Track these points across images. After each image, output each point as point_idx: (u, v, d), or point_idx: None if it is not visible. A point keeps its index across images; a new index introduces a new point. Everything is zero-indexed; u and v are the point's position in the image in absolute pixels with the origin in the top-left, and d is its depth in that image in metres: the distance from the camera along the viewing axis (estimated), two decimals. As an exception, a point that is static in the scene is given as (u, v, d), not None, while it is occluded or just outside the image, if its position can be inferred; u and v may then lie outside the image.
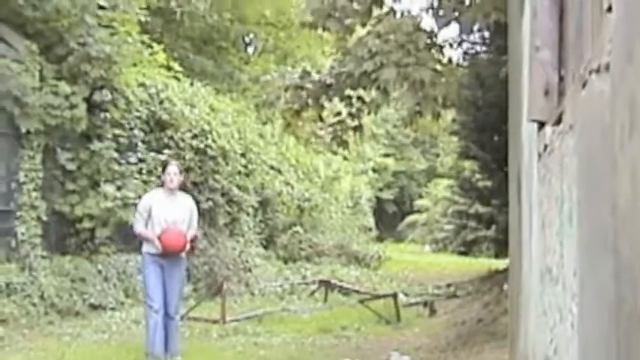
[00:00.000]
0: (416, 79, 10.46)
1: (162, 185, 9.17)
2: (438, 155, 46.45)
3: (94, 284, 12.51)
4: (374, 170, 41.51)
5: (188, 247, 9.16)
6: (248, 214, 17.89)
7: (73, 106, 12.29)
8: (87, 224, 12.82)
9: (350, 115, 13.00)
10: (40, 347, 9.91)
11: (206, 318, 12.01)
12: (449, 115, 19.44)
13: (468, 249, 29.94)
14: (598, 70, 1.99)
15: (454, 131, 21.96)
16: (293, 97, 12.37)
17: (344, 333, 11.48)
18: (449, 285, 18.00)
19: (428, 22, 46.67)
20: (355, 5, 11.48)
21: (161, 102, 14.83)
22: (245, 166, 17.56)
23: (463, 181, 24.42)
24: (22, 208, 11.78)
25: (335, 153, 27.47)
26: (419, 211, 41.28)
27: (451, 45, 13.19)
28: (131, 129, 13.95)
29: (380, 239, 33.88)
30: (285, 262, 19.03)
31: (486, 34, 16.27)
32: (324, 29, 12.00)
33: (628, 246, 1.64)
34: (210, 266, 14.95)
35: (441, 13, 11.10)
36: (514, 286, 4.88)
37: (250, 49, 28.66)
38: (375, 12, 11.72)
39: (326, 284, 15.28)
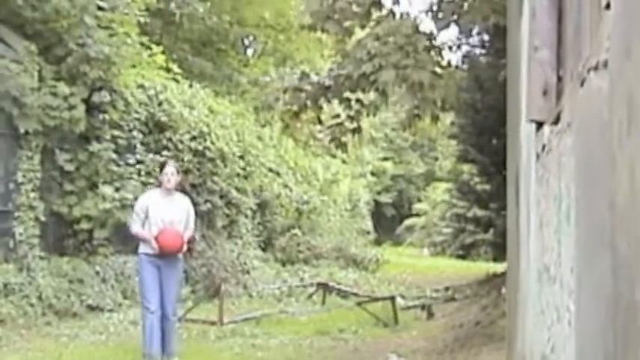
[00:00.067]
0: (415, 81, 10.47)
1: (159, 185, 9.16)
2: (436, 159, 46.46)
3: (91, 285, 12.50)
4: (372, 174, 41.57)
5: (185, 248, 9.14)
6: (246, 217, 17.88)
7: (71, 107, 12.29)
8: (85, 225, 12.81)
9: (349, 117, 13.00)
10: (38, 348, 9.90)
11: (204, 320, 12.00)
12: (447, 118, 19.46)
13: (466, 252, 29.95)
14: (596, 68, 1.99)
15: (453, 134, 21.97)
16: (292, 98, 12.37)
17: (342, 335, 11.48)
18: (447, 288, 17.99)
19: (427, 25, 46.72)
20: (354, 7, 11.49)
21: (160, 104, 14.83)
22: (243, 169, 17.56)
23: (462, 185, 24.42)
24: (20, 209, 11.76)
25: (334, 156, 27.51)
26: (417, 215, 41.29)
27: (450, 48, 13.24)
28: (130, 130, 13.94)
29: (378, 242, 33.91)
30: (283, 265, 19.03)
31: (485, 37, 16.31)
32: (323, 31, 12.01)
33: (625, 242, 1.64)
34: (209, 268, 14.94)
35: (440, 15, 11.12)
36: (512, 287, 4.88)
37: (249, 52, 28.68)
38: (375, 14, 11.73)
39: (324, 287, 15.28)
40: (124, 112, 13.75)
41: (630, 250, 1.61)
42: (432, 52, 11.24)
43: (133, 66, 14.50)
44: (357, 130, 13.06)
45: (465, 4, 11.12)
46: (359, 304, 13.33)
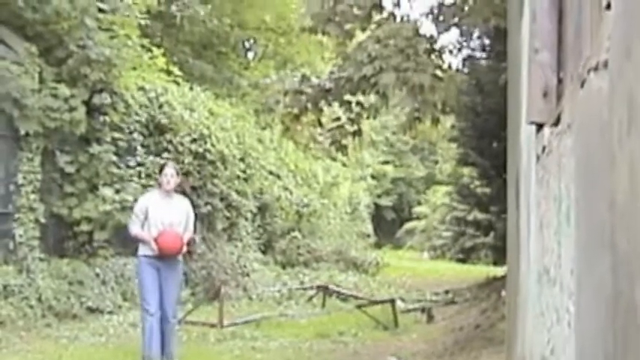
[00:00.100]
0: (415, 83, 10.47)
1: (159, 187, 9.14)
2: (436, 162, 46.49)
3: (91, 287, 12.50)
4: (373, 177, 41.57)
5: (185, 249, 9.12)
6: (246, 219, 17.89)
7: (72, 109, 12.29)
8: (85, 227, 12.81)
9: (349, 120, 13.01)
10: (38, 350, 9.89)
11: (204, 322, 11.99)
12: (448, 121, 19.48)
13: (466, 256, 29.93)
14: (596, 68, 1.99)
15: (453, 138, 21.96)
16: (292, 101, 12.38)
17: (341, 338, 11.47)
18: (447, 291, 17.98)
19: (428, 28, 46.77)
20: (355, 10, 11.50)
21: (160, 106, 14.83)
22: (244, 171, 17.56)
23: (462, 188, 24.42)
24: (20, 211, 11.76)
25: (334, 159, 27.54)
26: (417, 218, 41.30)
27: (451, 51, 13.24)
28: (130, 132, 13.95)
29: (378, 246, 33.90)
30: (284, 268, 19.03)
31: (486, 40, 16.32)
32: (323, 34, 12.03)
33: (625, 240, 1.64)
34: (209, 271, 14.93)
35: (440, 18, 11.13)
36: (512, 289, 4.88)
37: (250, 55, 28.68)
38: (375, 17, 11.74)
39: (324, 290, 15.28)
40: (125, 114, 13.75)
41: (630, 248, 1.61)
42: (433, 55, 11.24)
43: (134, 68, 14.51)
44: (357, 133, 13.07)
45: (466, 8, 11.13)
46: (359, 307, 13.32)
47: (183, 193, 9.81)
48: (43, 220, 12.07)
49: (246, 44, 28.10)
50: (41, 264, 11.93)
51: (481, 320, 11.90)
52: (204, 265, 14.98)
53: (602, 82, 1.92)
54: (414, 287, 19.35)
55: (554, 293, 2.75)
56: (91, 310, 12.25)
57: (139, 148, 14.14)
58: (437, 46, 11.44)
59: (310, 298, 15.36)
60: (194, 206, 9.88)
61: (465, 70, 16.40)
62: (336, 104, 12.79)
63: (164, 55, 16.15)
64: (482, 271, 21.25)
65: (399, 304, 13.99)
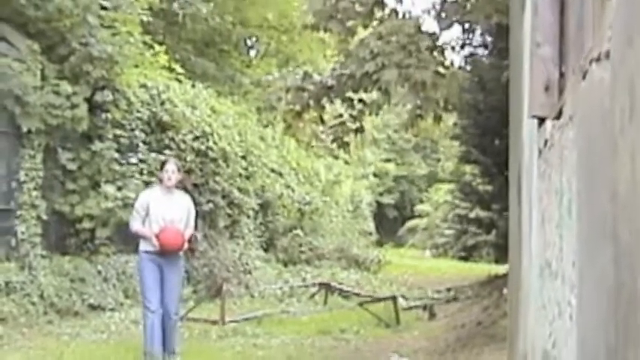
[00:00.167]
0: (417, 80, 10.46)
1: (160, 183, 9.13)
2: (438, 160, 46.47)
3: (93, 284, 12.51)
4: (375, 175, 41.57)
5: (186, 246, 9.11)
6: (248, 217, 17.89)
7: (74, 106, 12.29)
8: (87, 224, 12.82)
9: (351, 117, 13.01)
10: (39, 346, 9.90)
11: (205, 319, 12.00)
12: (450, 119, 19.47)
13: (468, 254, 29.92)
14: (598, 59, 1.98)
15: (455, 135, 21.96)
16: (294, 98, 12.36)
17: (343, 335, 11.47)
18: (449, 289, 17.98)
19: (430, 25, 46.80)
20: (357, 7, 11.49)
21: (162, 103, 14.83)
22: (246, 169, 17.56)
23: (464, 186, 24.41)
24: (22, 207, 11.77)
25: (336, 157, 27.53)
26: (419, 216, 41.31)
27: (453, 48, 13.22)
28: (132, 130, 13.95)
29: (380, 244, 33.89)
30: (285, 265, 19.04)
31: (488, 38, 16.30)
32: (325, 31, 12.02)
33: (627, 231, 1.64)
34: (210, 268, 14.94)
35: (443, 15, 11.11)
36: (514, 285, 4.87)
37: (252, 53, 28.68)
38: (377, 14, 11.73)
39: (326, 287, 15.27)
40: (127, 111, 13.76)
41: (632, 238, 1.60)
42: (435, 52, 11.23)
43: (136, 66, 14.51)
44: (359, 130, 13.07)
45: (468, 5, 11.12)
46: (361, 304, 13.31)
47: (185, 189, 9.78)
48: (45, 217, 12.08)
49: (249, 42, 28.12)
50: (43, 261, 11.94)
51: (483, 317, 11.90)
52: (206, 263, 14.99)
53: (604, 72, 1.91)
54: (415, 285, 19.35)
55: (555, 286, 2.74)
56: (92, 307, 12.26)
57: (140, 145, 14.14)
58: (439, 43, 11.43)
59: (312, 296, 15.36)
60: (196, 203, 9.87)
61: (467, 67, 16.40)
62: (338, 101, 12.78)
63: (166, 52, 16.16)
64: (484, 269, 21.25)
65: (401, 301, 13.98)
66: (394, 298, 13.07)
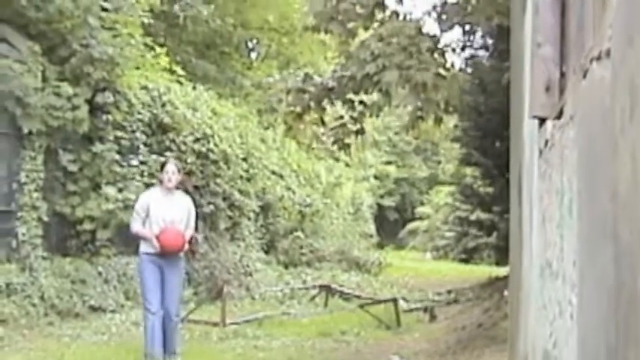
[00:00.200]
0: (418, 81, 10.45)
1: (160, 184, 9.11)
2: (439, 162, 46.48)
3: (94, 286, 12.51)
4: (375, 177, 41.58)
5: (186, 247, 9.09)
6: (249, 219, 17.89)
7: (75, 108, 12.30)
8: (88, 226, 12.82)
9: (352, 118, 13.00)
10: (40, 348, 9.90)
11: (206, 321, 12.00)
12: (451, 121, 19.46)
13: (469, 256, 29.90)
14: (599, 58, 1.98)
15: (456, 137, 21.94)
16: (295, 99, 12.36)
17: (344, 337, 11.46)
18: (449, 291, 17.97)
19: (431, 26, 46.81)
20: (358, 8, 11.49)
21: (163, 105, 14.84)
22: (246, 171, 17.56)
23: (464, 188, 24.38)
24: (23, 209, 11.78)
25: (337, 159, 27.54)
26: (420, 219, 41.30)
27: (454, 50, 13.20)
28: (133, 131, 13.95)
29: (380, 246, 33.88)
30: (286, 267, 19.04)
31: (489, 40, 16.30)
32: (326, 32, 12.01)
33: (628, 230, 1.64)
34: (211, 270, 14.94)
35: (443, 16, 11.11)
36: (514, 286, 4.87)
37: (253, 55, 28.69)
38: (378, 15, 11.73)
39: (326, 289, 15.26)
40: (128, 113, 13.76)
41: (633, 238, 1.60)
42: (436, 54, 11.23)
43: (137, 67, 14.53)
44: (360, 132, 13.05)
45: (469, 7, 11.12)
46: (361, 306, 13.31)
47: (186, 191, 9.77)
48: (45, 219, 12.09)
49: (249, 44, 28.13)
50: (44, 262, 11.94)
51: (484, 319, 11.89)
52: (206, 265, 14.98)
53: (604, 71, 1.91)
54: (416, 287, 19.35)
55: (556, 286, 2.74)
56: (93, 308, 12.26)
57: (141, 147, 14.14)
58: (440, 45, 11.43)
59: (313, 298, 15.35)
60: (196, 205, 9.87)
61: (468, 69, 16.39)
62: (338, 103, 12.77)
63: (167, 54, 16.17)
64: (484, 271, 21.24)
65: (402, 303, 13.98)
66: (395, 300, 13.06)
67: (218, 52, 24.93)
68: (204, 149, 15.47)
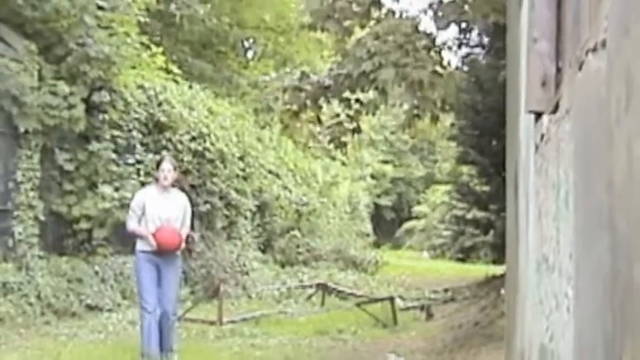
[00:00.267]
0: (414, 79, 10.46)
1: (156, 182, 9.09)
2: (436, 161, 46.53)
3: (90, 285, 12.50)
4: (372, 176, 41.59)
5: (183, 245, 9.07)
6: (246, 218, 17.88)
7: (71, 107, 12.29)
8: (84, 225, 12.81)
9: (348, 117, 12.99)
10: (37, 346, 9.88)
11: (203, 319, 11.99)
12: (447, 120, 19.47)
13: (466, 255, 29.94)
14: (595, 49, 1.99)
15: (452, 136, 21.97)
16: (291, 98, 12.36)
17: (340, 336, 11.46)
18: (446, 290, 17.99)
19: (427, 25, 46.77)
20: (354, 7, 11.49)
21: (160, 104, 14.82)
22: (243, 170, 17.56)
23: (461, 186, 24.41)
24: (19, 208, 11.76)
25: (333, 158, 27.55)
26: (417, 218, 41.33)
27: (450, 48, 13.21)
28: (129, 130, 13.94)
29: (377, 245, 33.90)
30: (283, 266, 19.04)
31: (485, 38, 16.31)
32: (323, 30, 12.01)
33: (624, 220, 1.64)
34: (208, 269, 14.93)
35: (440, 14, 11.11)
36: (511, 282, 4.88)
37: (249, 54, 28.67)
38: (374, 13, 11.74)
39: (323, 288, 15.27)
40: (124, 112, 13.75)
41: (629, 227, 1.60)
42: (432, 52, 11.24)
43: (133, 67, 14.51)
44: (356, 130, 13.05)
45: (466, 6, 11.12)
46: (358, 304, 13.32)
47: (182, 189, 9.75)
48: (42, 218, 12.08)
49: (246, 43, 28.10)
50: (40, 261, 11.92)
51: (480, 317, 11.90)
52: (203, 264, 14.97)
53: (600, 62, 1.91)
54: (413, 286, 19.36)
55: (552, 280, 2.75)
56: (90, 307, 12.25)
57: (138, 146, 14.13)
58: (436, 43, 11.44)
59: (309, 297, 15.35)
60: (193, 204, 9.84)
61: (465, 67, 16.41)
62: (335, 101, 12.77)
63: (163, 53, 16.15)
64: (481, 269, 21.25)
65: (398, 301, 14.00)
66: (391, 299, 13.07)
67: (214, 51, 24.91)
68: (200, 148, 15.47)
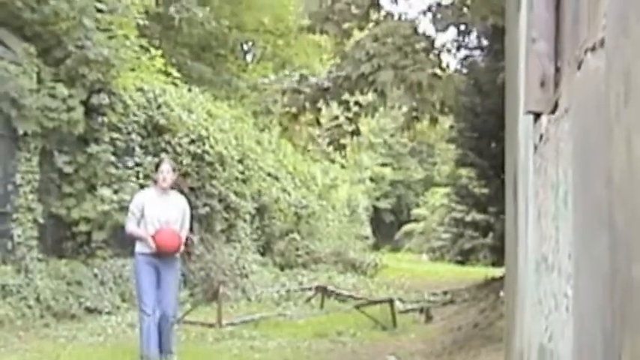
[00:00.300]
0: (413, 81, 10.46)
1: (155, 184, 9.08)
2: (435, 164, 46.54)
3: (90, 287, 12.50)
4: (371, 179, 41.63)
5: (182, 248, 9.06)
6: (245, 221, 17.89)
7: (70, 109, 12.30)
8: (83, 227, 12.81)
9: (347, 119, 12.99)
10: (36, 349, 9.88)
11: (202, 322, 12.00)
12: (446, 122, 19.48)
13: (465, 258, 29.94)
14: (593, 48, 1.99)
15: (451, 138, 21.98)
16: (290, 100, 12.35)
17: (340, 338, 11.46)
18: (445, 292, 17.98)
19: (426, 26, 46.78)
20: (353, 9, 11.50)
21: (159, 107, 14.83)
22: (242, 173, 17.57)
23: (460, 189, 24.42)
24: (18, 211, 11.76)
25: (332, 161, 27.57)
26: (416, 220, 41.34)
27: (449, 50, 13.21)
28: (128, 133, 13.95)
29: (377, 248, 33.92)
30: (282, 269, 19.04)
31: (484, 40, 16.32)
32: (321, 33, 12.01)
33: (623, 216, 1.64)
34: (207, 272, 14.93)
35: (439, 16, 11.12)
36: (510, 282, 4.87)
37: (248, 57, 28.69)
38: (373, 16, 11.74)
39: (322, 290, 15.28)
40: (123, 114, 13.75)
41: (628, 224, 1.60)
42: (431, 54, 11.24)
43: (132, 69, 14.51)
44: (355, 132, 13.04)
45: (465, 9, 11.13)
46: (357, 307, 13.31)
47: (181, 191, 9.74)
48: (41, 220, 12.08)
49: (245, 46, 28.13)
50: (39, 264, 11.93)
51: (479, 319, 11.89)
52: (202, 267, 14.97)
53: (598, 61, 1.91)
54: (412, 288, 19.36)
55: (552, 279, 2.74)
56: (89, 310, 12.25)
57: (137, 148, 14.14)
58: (435, 45, 11.44)
59: (309, 299, 15.36)
60: (192, 207, 9.83)
61: (463, 70, 16.41)
62: (334, 104, 12.76)
63: (162, 56, 16.15)
64: (480, 272, 21.24)
65: (398, 304, 13.99)
66: (391, 301, 13.06)
67: (213, 54, 24.93)
68: (199, 151, 15.47)
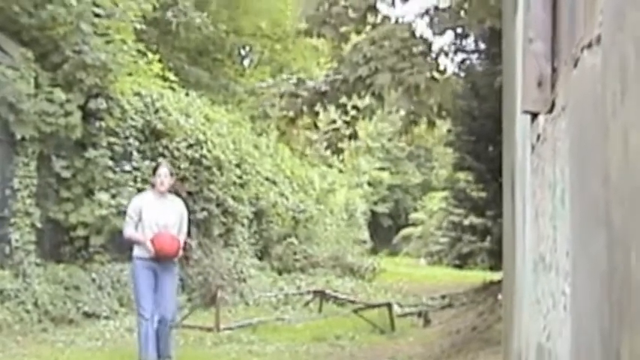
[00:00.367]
0: (411, 84, 10.46)
1: (152, 187, 9.07)
2: (432, 168, 46.54)
3: (87, 292, 12.48)
4: (369, 184, 41.59)
5: (181, 252, 9.04)
6: (243, 225, 17.88)
7: (68, 114, 12.30)
8: (81, 232, 12.81)
9: (344, 122, 12.98)
10: (34, 354, 9.87)
11: (200, 326, 11.98)
12: (444, 126, 19.49)
13: (463, 262, 29.89)
14: (590, 46, 1.99)
15: (449, 142, 21.99)
16: (288, 104, 12.35)
17: (338, 342, 11.45)
18: (443, 296, 17.98)
19: (423, 30, 46.81)
20: (350, 12, 11.51)
21: (156, 111, 14.83)
22: (240, 177, 17.56)
23: (458, 192, 24.39)
24: (16, 215, 11.76)
25: (330, 166, 27.57)
26: (414, 225, 41.30)
27: (446, 54, 13.20)
28: (126, 137, 13.95)
29: (374, 252, 33.89)
30: (280, 273, 19.02)
31: (481, 44, 16.33)
32: (319, 36, 12.00)
33: (620, 214, 1.64)
34: (205, 276, 14.92)
35: (436, 20, 11.13)
36: (508, 283, 4.87)
37: (246, 61, 28.69)
38: (370, 19, 11.75)
39: (321, 295, 15.27)
40: (120, 119, 13.76)
41: (625, 222, 1.60)
42: (428, 58, 11.24)
43: (130, 74, 14.51)
44: (353, 136, 13.03)
45: (462, 13, 11.13)
46: (355, 311, 13.31)
47: (178, 195, 9.74)
48: (39, 225, 12.08)
49: (242, 51, 28.12)
50: (37, 269, 11.92)
51: (478, 323, 11.89)
52: (200, 271, 14.97)
53: (595, 58, 1.91)
54: (410, 292, 19.36)
55: (549, 279, 2.74)
56: (87, 315, 12.23)
57: (134, 153, 14.14)
58: (432, 48, 11.45)
59: (307, 303, 15.35)
60: (190, 211, 9.83)
61: (461, 73, 16.42)
62: (331, 108, 12.76)
63: (160, 61, 16.16)
64: (479, 276, 21.23)
65: (396, 308, 13.98)
66: (389, 305, 13.06)
67: (211, 59, 24.92)
68: (197, 155, 15.47)
